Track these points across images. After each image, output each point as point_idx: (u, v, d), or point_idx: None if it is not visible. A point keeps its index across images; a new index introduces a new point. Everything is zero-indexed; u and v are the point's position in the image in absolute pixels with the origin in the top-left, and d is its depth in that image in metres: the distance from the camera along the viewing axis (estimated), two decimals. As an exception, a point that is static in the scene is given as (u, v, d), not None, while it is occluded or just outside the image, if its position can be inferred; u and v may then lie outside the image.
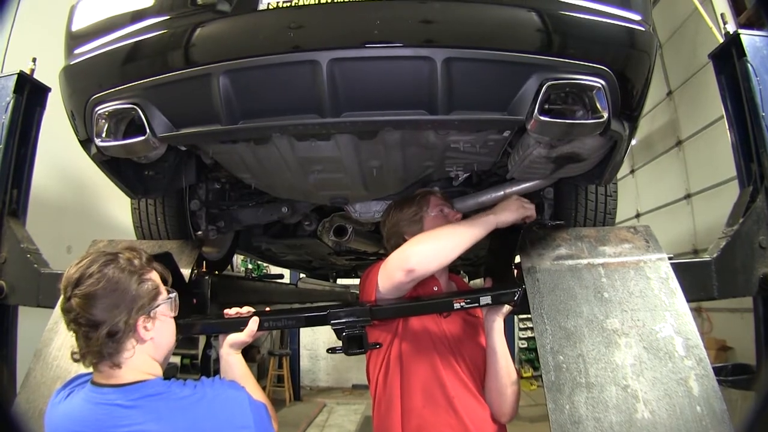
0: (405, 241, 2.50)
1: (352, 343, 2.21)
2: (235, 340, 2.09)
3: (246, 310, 2.20)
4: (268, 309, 2.24)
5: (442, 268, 2.45)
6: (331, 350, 2.27)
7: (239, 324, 2.12)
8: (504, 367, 2.42)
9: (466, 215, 2.95)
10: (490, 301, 2.30)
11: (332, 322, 2.22)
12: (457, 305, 2.26)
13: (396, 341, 2.44)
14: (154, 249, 3.16)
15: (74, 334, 1.70)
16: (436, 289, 2.58)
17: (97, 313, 1.65)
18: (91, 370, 1.76)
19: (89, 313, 1.65)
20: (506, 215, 2.41)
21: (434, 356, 2.40)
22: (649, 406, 2.16)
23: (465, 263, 6.41)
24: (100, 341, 1.66)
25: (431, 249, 2.29)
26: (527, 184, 2.95)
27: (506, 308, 2.43)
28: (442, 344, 2.43)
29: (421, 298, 2.48)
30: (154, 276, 1.84)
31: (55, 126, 3.25)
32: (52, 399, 1.82)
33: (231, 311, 2.20)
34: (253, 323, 2.10)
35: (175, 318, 1.96)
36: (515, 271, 2.52)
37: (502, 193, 3.02)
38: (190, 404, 1.70)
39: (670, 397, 2.18)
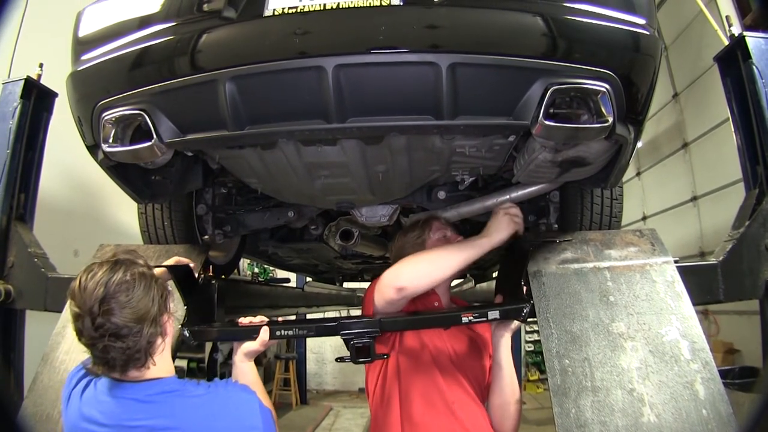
0: None
1: (360, 353, 2.22)
2: (249, 349, 2.13)
3: (259, 319, 2.23)
4: (280, 319, 2.27)
5: (436, 286, 2.47)
6: (340, 359, 2.29)
7: (252, 332, 2.15)
8: (509, 384, 2.42)
9: (468, 220, 2.97)
10: (498, 316, 2.30)
11: (342, 332, 2.23)
12: (465, 319, 2.26)
13: (393, 354, 2.45)
14: (161, 253, 3.19)
15: (100, 350, 1.66)
16: (436, 305, 2.59)
17: (136, 321, 1.67)
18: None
19: (129, 322, 1.65)
20: (498, 235, 2.40)
21: (433, 367, 2.41)
22: (655, 409, 2.17)
23: (471, 267, 6.40)
24: (141, 348, 1.68)
25: (422, 269, 2.33)
26: (533, 188, 2.95)
27: (514, 324, 2.42)
28: (442, 357, 2.44)
29: (424, 312, 2.50)
30: (155, 272, 1.87)
31: (63, 130, 3.26)
32: (70, 384, 1.88)
33: (245, 320, 2.23)
34: (264, 332, 2.13)
35: (191, 324, 2.00)
36: (525, 288, 2.51)
37: (507, 197, 3.02)
38: (203, 402, 1.76)
39: (676, 401, 2.18)
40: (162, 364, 1.80)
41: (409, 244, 2.68)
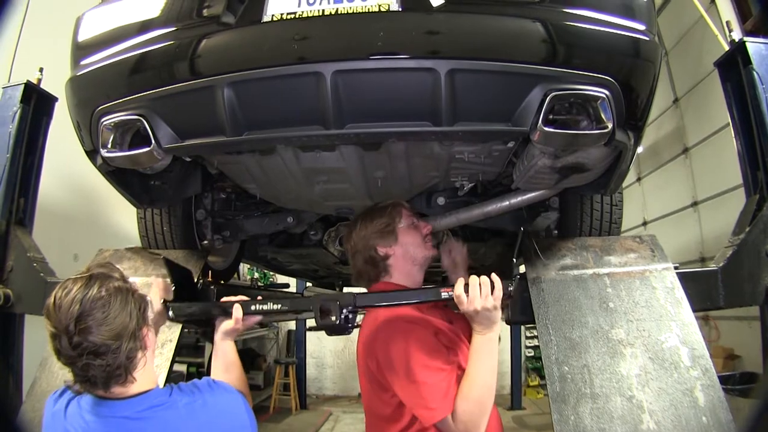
0: (377, 253, 2.41)
1: (337, 328, 2.10)
2: (227, 327, 2.16)
3: (238, 298, 2.23)
4: (259, 298, 2.26)
5: None
6: (314, 328, 2.20)
7: (227, 308, 2.17)
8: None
9: (469, 225, 2.93)
10: None
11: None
12: (445, 294, 2.11)
13: None
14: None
15: (80, 368, 1.62)
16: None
17: (114, 338, 1.62)
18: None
19: (107, 340, 1.61)
20: (496, 325, 2.09)
21: None
22: (655, 416, 2.16)
23: (471, 272, 6.38)
24: (120, 364, 1.64)
25: (486, 406, 2.06)
26: (532, 194, 2.94)
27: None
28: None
29: (400, 290, 2.37)
30: (133, 284, 1.82)
31: (63, 135, 3.26)
32: (50, 407, 1.84)
33: (226, 299, 2.24)
34: (237, 310, 2.14)
35: (165, 301, 2.14)
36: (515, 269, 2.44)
37: (507, 203, 3.01)
38: (193, 411, 1.74)
39: (676, 408, 2.17)
40: (148, 376, 1.76)
41: (377, 234, 2.43)
